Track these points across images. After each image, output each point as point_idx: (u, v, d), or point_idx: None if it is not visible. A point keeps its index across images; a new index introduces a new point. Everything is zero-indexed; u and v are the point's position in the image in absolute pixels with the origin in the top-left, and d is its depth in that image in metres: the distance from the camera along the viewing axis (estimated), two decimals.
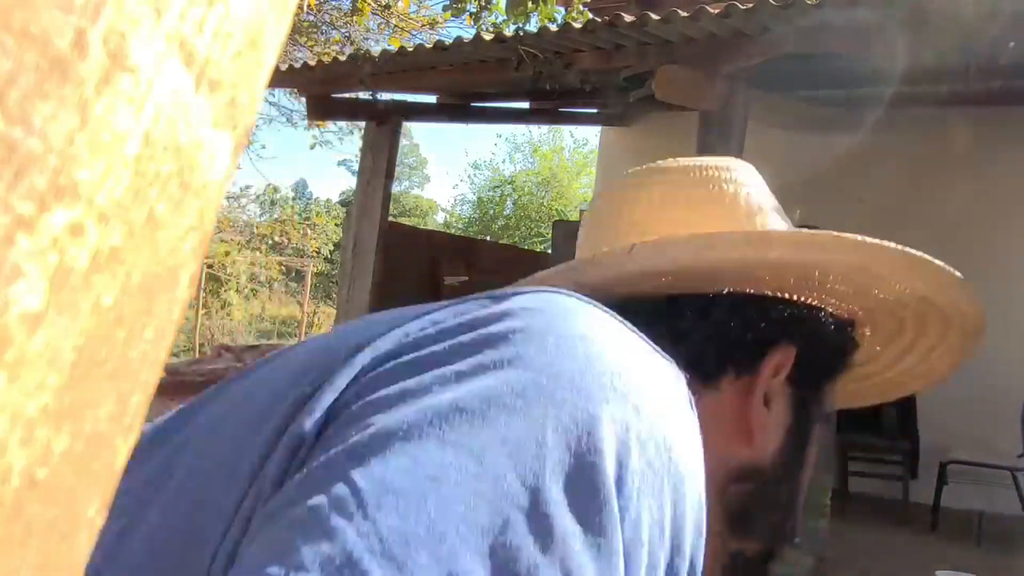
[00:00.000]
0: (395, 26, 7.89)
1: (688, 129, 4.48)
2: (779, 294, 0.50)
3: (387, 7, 6.39)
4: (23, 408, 0.18)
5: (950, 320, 0.54)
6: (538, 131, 17.73)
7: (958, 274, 0.51)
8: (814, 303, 0.51)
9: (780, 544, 0.51)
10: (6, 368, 0.17)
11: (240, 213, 15.63)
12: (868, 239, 0.48)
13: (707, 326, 0.48)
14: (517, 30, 3.58)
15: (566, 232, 4.37)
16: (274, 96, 10.13)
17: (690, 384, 0.36)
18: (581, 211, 5.57)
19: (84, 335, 0.19)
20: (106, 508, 0.23)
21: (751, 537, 0.49)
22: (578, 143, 17.76)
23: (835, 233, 0.49)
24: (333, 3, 8.40)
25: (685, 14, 2.88)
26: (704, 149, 3.53)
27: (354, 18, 7.12)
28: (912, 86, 3.41)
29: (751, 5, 2.73)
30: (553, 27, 3.41)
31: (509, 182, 17.94)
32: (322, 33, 8.52)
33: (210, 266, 10.25)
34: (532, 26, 3.71)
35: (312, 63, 4.34)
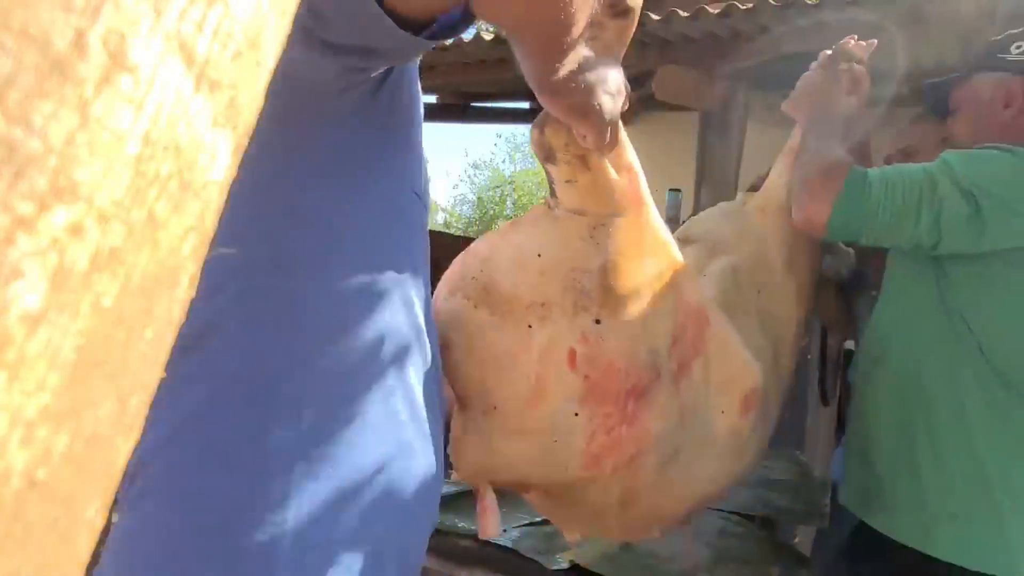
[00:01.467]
0: None
1: (688, 129, 4.48)
2: None
3: None
4: (23, 408, 0.18)
5: None
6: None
7: None
8: None
9: None
10: (6, 368, 0.17)
11: None
12: None
13: None
14: None
15: None
16: None
17: None
18: None
19: (84, 335, 0.19)
20: (106, 508, 0.23)
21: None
22: None
23: None
24: None
25: (685, 14, 2.88)
26: (704, 149, 3.53)
27: None
28: (912, 86, 3.41)
29: (751, 5, 2.73)
30: None
31: (509, 182, 17.94)
32: None
33: None
34: None
35: None
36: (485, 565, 1.41)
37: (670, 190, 4.12)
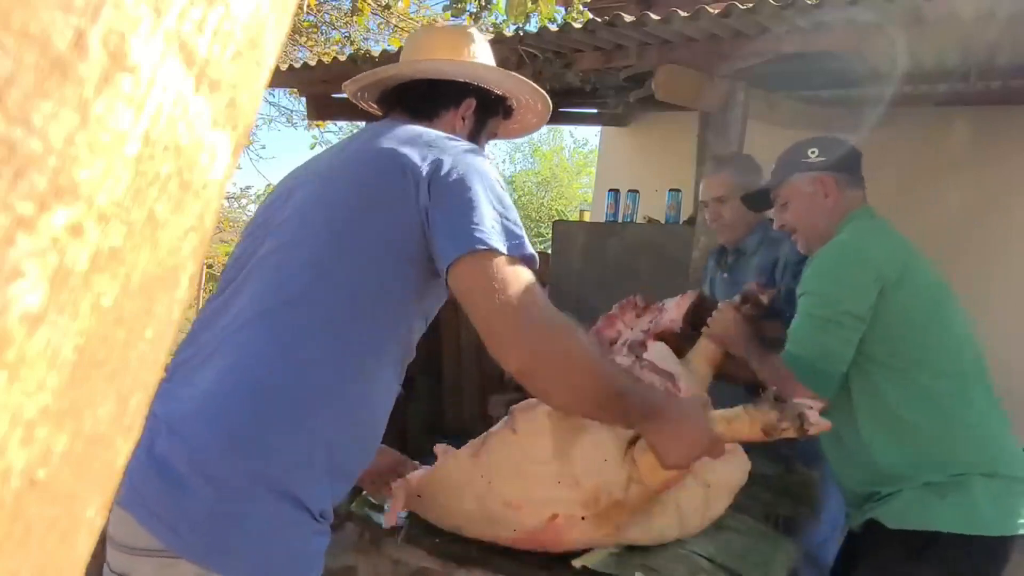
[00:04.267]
0: (395, 26, 7.88)
1: (688, 129, 4.48)
2: (471, 82, 1.35)
3: (387, 7, 6.39)
4: (23, 408, 0.18)
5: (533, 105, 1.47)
6: (538, 131, 17.72)
7: (532, 84, 1.42)
8: (485, 86, 1.37)
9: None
10: (6, 368, 0.17)
11: (240, 213, 15.59)
12: (502, 72, 1.39)
13: (439, 93, 1.34)
14: (517, 30, 3.58)
15: (566, 232, 4.36)
16: (274, 96, 10.11)
17: (428, 118, 1.33)
18: (581, 211, 5.56)
19: (84, 335, 0.19)
20: (106, 508, 0.23)
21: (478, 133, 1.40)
22: (578, 143, 17.79)
23: (488, 66, 1.40)
24: (333, 3, 8.39)
25: (685, 14, 2.88)
26: (704, 148, 3.53)
27: (354, 18, 7.11)
28: (912, 86, 3.41)
29: (751, 5, 2.73)
30: (553, 27, 3.41)
31: (509, 182, 17.95)
32: (322, 33, 8.52)
33: (210, 266, 10.24)
34: (532, 26, 3.71)
35: (312, 63, 4.34)
36: (485, 566, 1.41)
37: (670, 190, 4.12)
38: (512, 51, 3.40)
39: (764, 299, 1.93)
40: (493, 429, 1.38)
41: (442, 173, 1.08)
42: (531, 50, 3.37)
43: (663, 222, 4.05)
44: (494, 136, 1.44)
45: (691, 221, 3.70)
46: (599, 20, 3.12)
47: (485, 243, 1.02)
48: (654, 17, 2.96)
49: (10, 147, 0.15)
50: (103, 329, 0.19)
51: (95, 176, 0.17)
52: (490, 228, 1.03)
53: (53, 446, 0.18)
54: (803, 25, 2.74)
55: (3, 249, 0.15)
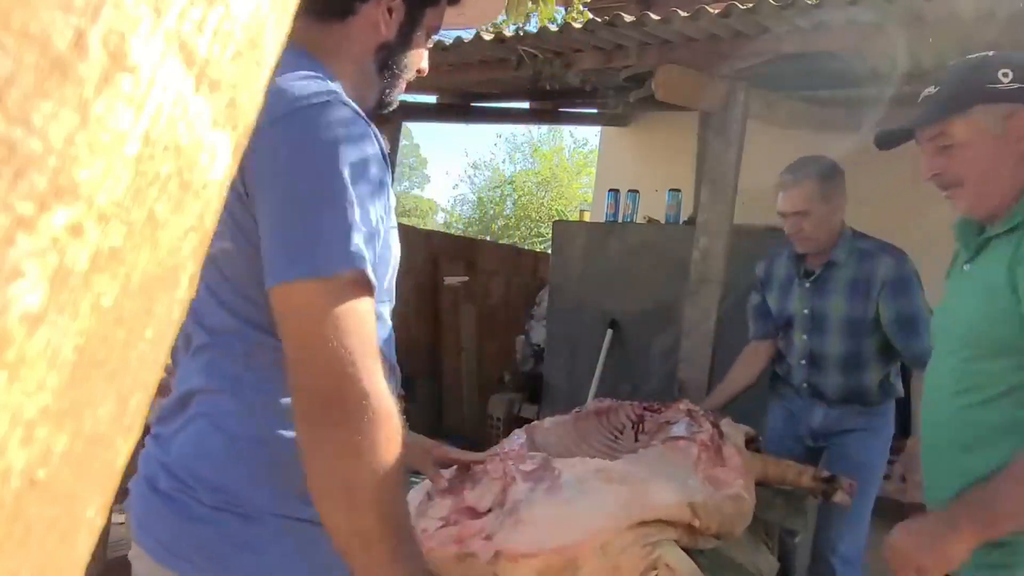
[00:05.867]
0: None
1: (688, 129, 4.48)
2: None
3: None
4: (23, 408, 0.18)
5: None
6: (538, 131, 17.75)
7: None
8: None
9: (392, 74, 1.09)
10: (6, 368, 0.17)
11: None
12: None
13: None
14: (517, 30, 3.58)
15: (566, 232, 4.36)
16: None
17: (330, 20, 1.00)
18: (581, 211, 5.55)
19: (84, 335, 0.19)
20: (106, 508, 0.23)
21: (386, 72, 1.07)
22: (578, 143, 17.79)
23: None
24: None
25: (685, 14, 2.87)
26: (704, 149, 3.53)
27: None
28: (912, 86, 3.41)
29: (751, 5, 2.73)
30: (553, 27, 3.41)
31: (509, 182, 17.94)
32: None
33: None
34: (532, 26, 3.71)
35: None
36: None
37: (670, 190, 4.12)
38: (512, 51, 3.40)
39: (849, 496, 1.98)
40: (473, 546, 1.26)
41: (267, 158, 0.83)
42: (531, 50, 3.37)
43: (663, 222, 4.06)
44: (436, 30, 1.13)
45: (691, 221, 3.70)
46: (599, 20, 3.12)
47: (312, 271, 0.80)
48: (654, 17, 2.96)
49: (10, 147, 0.15)
50: (103, 329, 0.19)
51: (95, 176, 0.17)
52: (313, 243, 0.81)
53: (53, 446, 0.18)
54: (803, 25, 2.74)
55: (3, 249, 0.15)
